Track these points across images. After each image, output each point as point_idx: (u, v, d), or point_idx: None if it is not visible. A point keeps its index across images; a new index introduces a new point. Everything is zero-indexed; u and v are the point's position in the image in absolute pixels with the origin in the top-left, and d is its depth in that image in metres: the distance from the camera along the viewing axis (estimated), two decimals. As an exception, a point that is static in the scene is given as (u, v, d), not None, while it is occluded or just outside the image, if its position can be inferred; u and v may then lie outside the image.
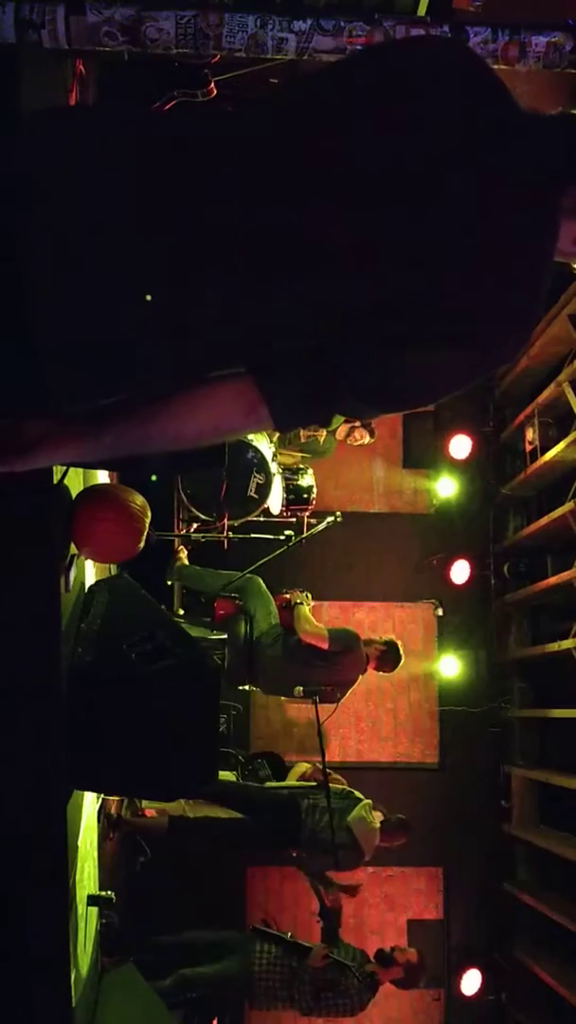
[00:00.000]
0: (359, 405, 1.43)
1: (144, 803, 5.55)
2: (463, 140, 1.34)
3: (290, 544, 6.03)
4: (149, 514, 3.34)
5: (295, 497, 6.22)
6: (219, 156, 1.34)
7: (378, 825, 5.49)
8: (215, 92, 4.41)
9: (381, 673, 5.87)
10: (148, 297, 1.30)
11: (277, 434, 5.95)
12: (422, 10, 3.25)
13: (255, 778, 5.87)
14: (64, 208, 1.31)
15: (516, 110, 1.40)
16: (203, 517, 5.87)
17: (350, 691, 5.90)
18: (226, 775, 5.65)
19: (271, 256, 1.31)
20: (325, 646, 5.51)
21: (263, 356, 1.37)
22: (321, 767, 5.34)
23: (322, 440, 6.86)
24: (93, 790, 3.84)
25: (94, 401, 1.40)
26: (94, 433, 1.39)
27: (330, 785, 5.39)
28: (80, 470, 3.32)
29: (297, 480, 6.27)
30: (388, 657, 5.64)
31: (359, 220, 1.31)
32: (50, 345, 1.33)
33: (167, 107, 4.42)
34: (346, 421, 6.63)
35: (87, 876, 3.77)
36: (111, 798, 4.94)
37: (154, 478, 4.17)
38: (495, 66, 2.90)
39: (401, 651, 5.69)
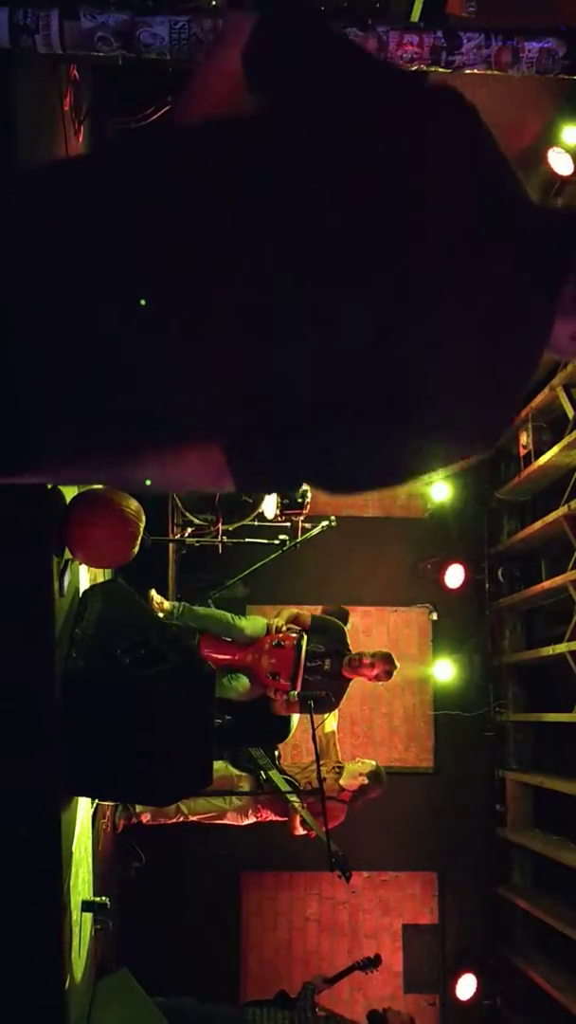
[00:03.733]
0: (324, 487, 1.42)
1: (139, 808, 5.54)
2: (461, 226, 1.28)
3: (284, 548, 6.03)
4: (144, 519, 3.34)
5: (289, 501, 6.22)
6: (217, 230, 1.28)
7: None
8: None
9: (376, 682, 5.90)
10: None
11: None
12: (415, 16, 3.25)
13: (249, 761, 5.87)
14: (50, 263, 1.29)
15: (521, 198, 1.36)
16: (197, 521, 5.86)
17: (345, 696, 5.91)
18: (217, 765, 5.65)
19: (250, 329, 1.27)
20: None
21: (236, 425, 1.35)
22: (317, 772, 5.34)
23: None
24: (87, 795, 3.83)
25: (66, 458, 1.42)
26: (70, 465, 1.43)
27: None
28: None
29: (292, 485, 6.28)
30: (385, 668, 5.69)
31: (340, 299, 1.26)
32: (31, 396, 1.32)
33: (161, 112, 4.43)
34: None
35: (81, 882, 3.76)
36: (105, 803, 4.93)
37: (148, 483, 4.16)
38: (488, 72, 2.91)
39: (396, 662, 5.71)
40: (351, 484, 1.44)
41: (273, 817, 5.80)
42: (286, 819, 5.78)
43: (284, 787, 5.57)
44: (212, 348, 1.28)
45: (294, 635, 5.55)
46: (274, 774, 5.61)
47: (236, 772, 5.75)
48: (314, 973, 5.65)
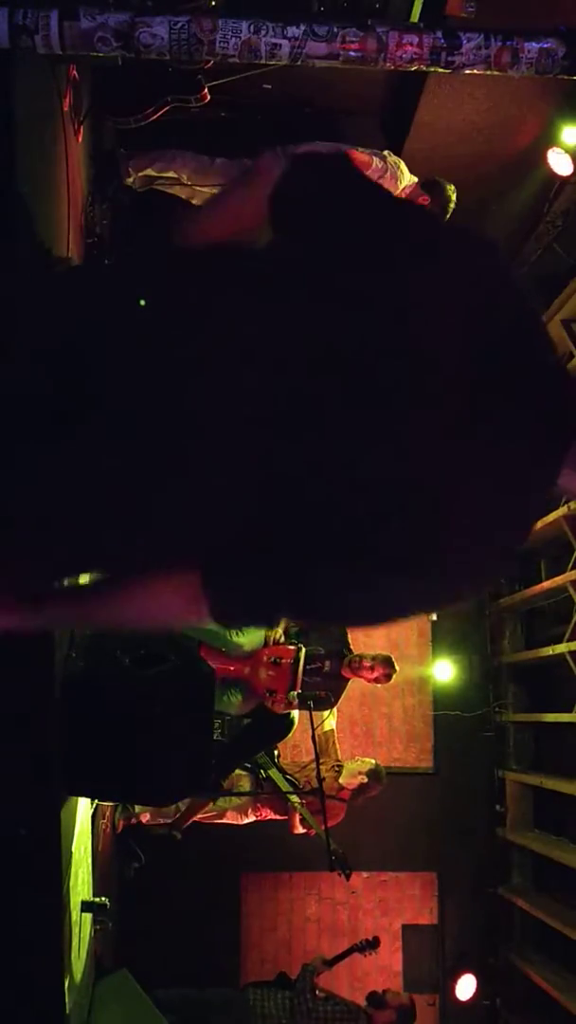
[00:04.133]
0: (298, 617, 1.43)
1: (138, 808, 5.54)
2: (474, 373, 1.26)
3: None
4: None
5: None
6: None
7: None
8: (208, 97, 4.42)
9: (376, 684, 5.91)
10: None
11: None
12: (415, 16, 3.27)
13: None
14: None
15: (538, 349, 1.33)
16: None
17: (344, 695, 5.92)
18: None
19: (244, 459, 1.26)
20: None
21: (215, 553, 1.34)
22: (316, 772, 5.34)
23: None
24: (87, 796, 3.83)
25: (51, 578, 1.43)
26: (34, 604, 1.42)
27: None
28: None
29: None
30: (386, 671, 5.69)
31: (336, 438, 1.25)
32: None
33: (161, 112, 4.43)
34: None
35: (81, 882, 3.76)
36: (105, 803, 4.93)
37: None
38: (487, 72, 2.91)
39: (396, 665, 5.72)
40: (325, 621, 1.44)
41: (273, 815, 5.80)
42: (285, 817, 5.78)
43: (284, 786, 5.57)
44: (202, 475, 1.28)
45: (292, 648, 5.55)
46: (274, 772, 5.61)
47: (236, 771, 5.75)
48: (314, 955, 5.66)
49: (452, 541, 1.27)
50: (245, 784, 5.75)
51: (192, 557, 1.33)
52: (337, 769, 5.75)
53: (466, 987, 7.06)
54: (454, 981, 7.08)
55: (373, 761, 5.82)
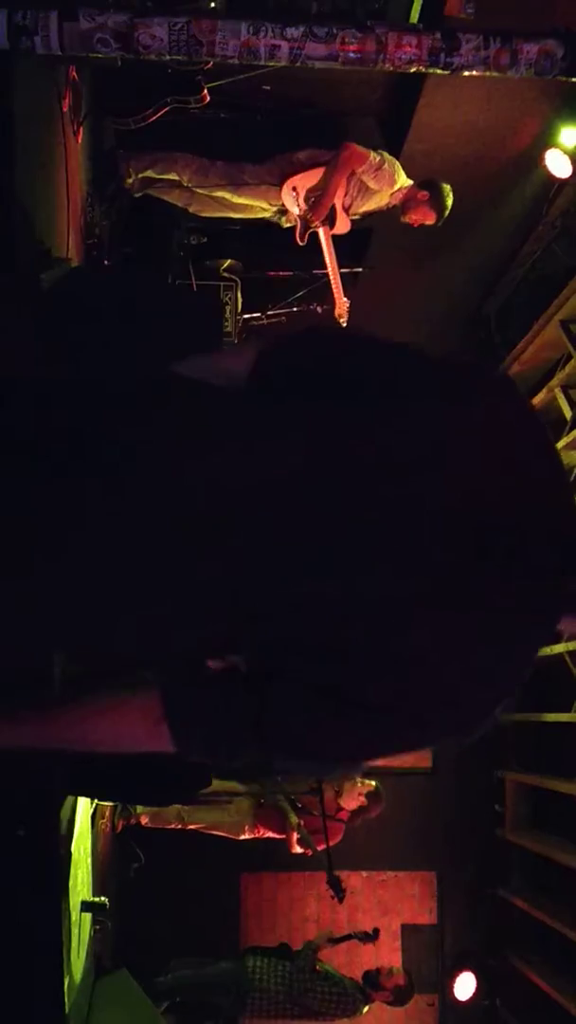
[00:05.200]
0: (265, 756, 1.33)
1: (138, 808, 5.54)
2: (478, 530, 1.21)
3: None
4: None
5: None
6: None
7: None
8: (208, 99, 4.42)
9: None
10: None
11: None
12: (414, 17, 3.27)
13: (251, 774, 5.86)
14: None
15: (554, 512, 1.25)
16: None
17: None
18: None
19: (226, 580, 1.23)
20: None
21: (178, 672, 1.31)
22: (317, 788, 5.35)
23: None
24: (87, 796, 3.83)
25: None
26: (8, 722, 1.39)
27: None
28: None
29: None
30: None
31: (343, 574, 1.20)
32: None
33: (160, 113, 4.43)
34: None
35: (80, 882, 3.76)
36: (105, 804, 4.93)
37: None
38: (486, 73, 2.92)
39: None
40: (292, 757, 1.32)
41: (270, 834, 5.80)
42: (283, 836, 5.78)
43: (284, 805, 5.56)
44: (189, 592, 1.24)
45: None
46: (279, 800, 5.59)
47: (235, 790, 5.75)
48: (319, 931, 5.68)
49: (439, 692, 1.23)
50: (245, 804, 5.76)
51: (155, 672, 1.31)
52: (337, 790, 5.74)
53: (465, 987, 7.06)
54: (453, 981, 7.09)
55: (374, 783, 5.79)
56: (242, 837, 5.82)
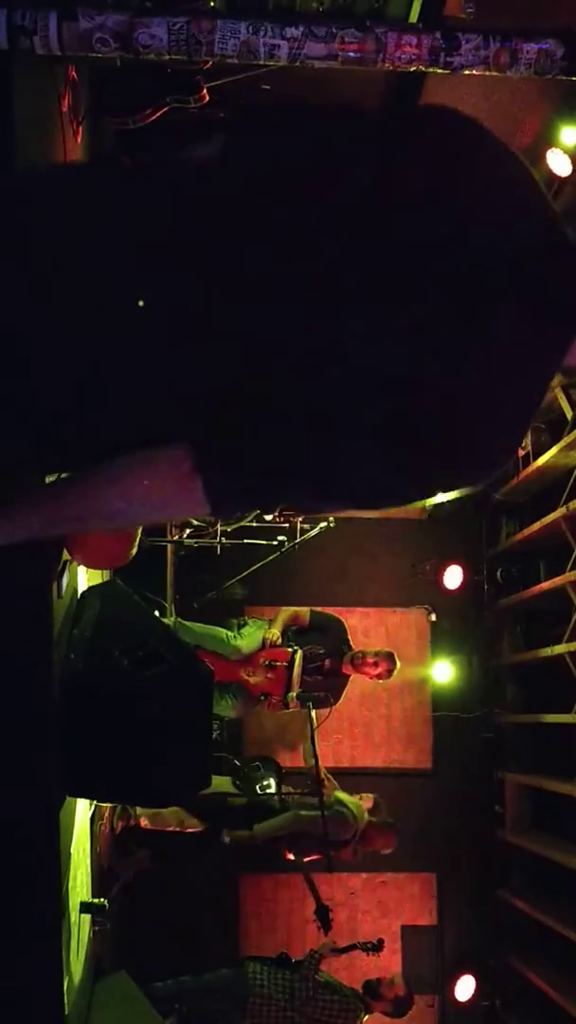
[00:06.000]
0: (298, 497, 1.32)
1: (138, 810, 5.53)
2: (466, 259, 1.23)
3: (283, 550, 6.03)
4: (142, 520, 3.33)
5: (288, 502, 6.19)
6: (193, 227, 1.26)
7: (368, 805, 5.59)
8: (207, 98, 4.41)
9: (377, 680, 5.89)
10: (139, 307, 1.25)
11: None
12: (414, 16, 3.26)
13: (250, 783, 5.85)
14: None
15: (547, 227, 1.28)
16: (196, 523, 5.86)
17: (343, 696, 5.91)
18: (220, 780, 5.65)
19: (241, 322, 1.23)
20: None
21: (204, 428, 1.27)
22: (315, 770, 5.35)
23: None
24: (86, 797, 3.83)
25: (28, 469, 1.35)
26: (11, 509, 1.32)
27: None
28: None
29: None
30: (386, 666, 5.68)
31: (349, 311, 1.22)
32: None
33: (160, 113, 4.43)
34: None
35: (80, 883, 3.76)
36: (104, 804, 4.92)
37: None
38: (486, 73, 2.91)
39: (397, 660, 5.72)
40: (326, 494, 1.32)
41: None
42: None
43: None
44: (207, 339, 1.24)
45: (288, 651, 5.54)
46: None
47: (235, 796, 5.73)
48: (322, 941, 5.67)
49: (454, 423, 1.24)
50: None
51: (177, 437, 1.26)
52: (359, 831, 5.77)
53: (465, 988, 7.06)
54: (453, 982, 7.09)
55: (372, 796, 5.78)
56: None
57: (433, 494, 1.38)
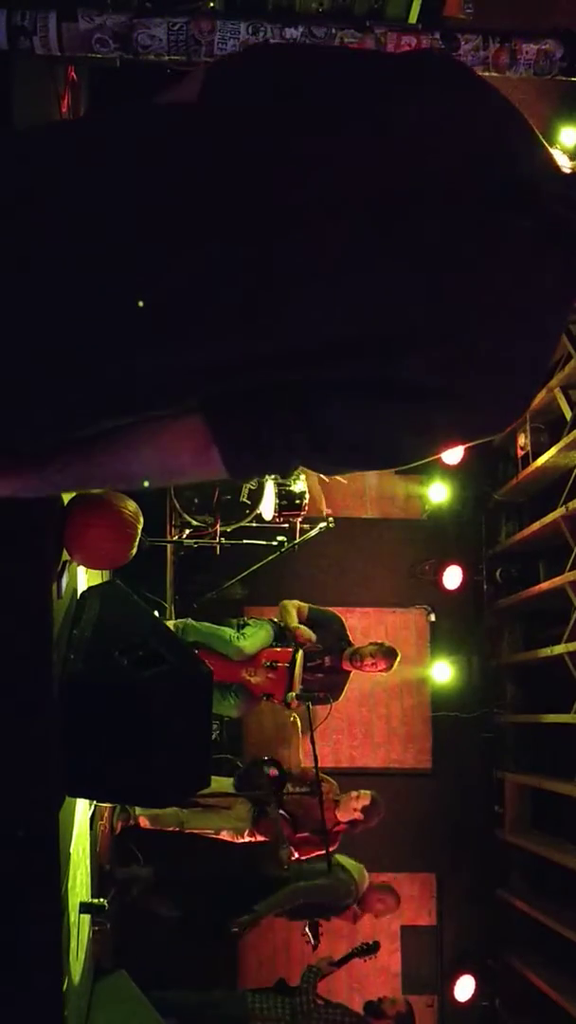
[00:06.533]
0: (316, 456, 1.29)
1: (137, 810, 5.54)
2: (484, 188, 1.21)
3: (283, 550, 6.03)
4: (141, 520, 3.34)
5: (287, 503, 6.22)
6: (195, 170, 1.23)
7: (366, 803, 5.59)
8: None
9: (375, 677, 5.89)
10: (140, 303, 1.22)
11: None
12: (413, 17, 3.26)
13: (251, 784, 5.84)
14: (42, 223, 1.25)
15: (536, 175, 1.26)
16: (196, 523, 5.86)
17: (343, 695, 5.91)
18: (221, 781, 5.65)
19: (242, 282, 1.20)
20: None
21: (219, 392, 1.27)
22: (315, 772, 5.34)
23: None
24: (86, 797, 3.83)
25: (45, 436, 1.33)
26: (37, 467, 1.33)
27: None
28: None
29: (289, 486, 6.27)
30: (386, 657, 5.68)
31: (353, 251, 1.20)
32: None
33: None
34: None
35: (79, 883, 3.76)
36: (104, 804, 4.92)
37: (147, 484, 4.16)
38: (485, 73, 2.91)
39: (397, 653, 5.72)
40: (344, 451, 1.29)
41: (267, 837, 5.79)
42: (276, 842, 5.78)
43: (277, 828, 5.53)
44: (210, 299, 1.21)
45: (288, 651, 5.54)
46: (272, 809, 5.57)
47: (237, 794, 5.73)
48: (314, 957, 5.66)
49: (471, 367, 1.22)
50: (242, 810, 5.74)
51: (192, 399, 1.26)
52: (335, 802, 5.73)
53: (465, 988, 7.06)
54: (453, 982, 7.09)
55: (370, 794, 5.77)
56: (240, 841, 5.81)
57: (452, 446, 1.36)
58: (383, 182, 1.20)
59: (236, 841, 5.81)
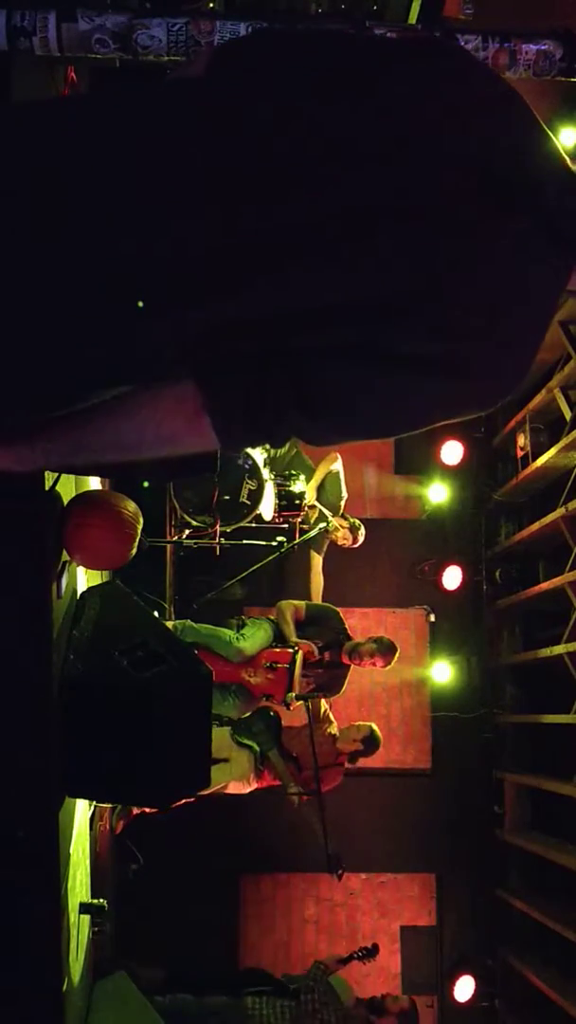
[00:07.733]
0: (306, 424, 1.29)
1: (136, 810, 5.54)
2: (485, 177, 1.25)
3: (282, 550, 6.03)
4: (141, 520, 3.34)
5: (287, 503, 6.22)
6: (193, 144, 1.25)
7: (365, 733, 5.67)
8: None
9: (375, 677, 5.89)
10: (140, 304, 1.24)
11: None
12: (413, 17, 3.26)
13: (248, 730, 5.81)
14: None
15: (537, 166, 1.32)
16: (195, 523, 5.86)
17: (342, 693, 5.92)
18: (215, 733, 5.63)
19: (240, 248, 1.22)
20: None
21: (210, 359, 1.28)
22: (314, 769, 5.34)
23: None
24: (86, 797, 3.83)
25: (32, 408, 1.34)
26: (27, 439, 1.34)
27: None
28: (72, 476, 3.31)
29: (289, 486, 6.27)
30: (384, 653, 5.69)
31: (352, 226, 1.22)
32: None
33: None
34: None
35: (79, 884, 3.76)
36: (103, 805, 4.92)
37: (146, 484, 4.16)
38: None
39: (396, 647, 5.72)
40: (336, 418, 1.30)
41: (274, 781, 5.75)
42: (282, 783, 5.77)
43: (283, 776, 5.54)
44: (198, 270, 1.22)
45: (288, 652, 5.54)
46: (273, 754, 5.58)
47: (236, 746, 5.72)
48: (313, 957, 5.66)
49: (467, 336, 1.24)
50: (244, 760, 5.73)
51: (186, 367, 1.27)
52: (334, 736, 5.75)
53: (464, 988, 7.06)
54: (452, 982, 7.09)
55: (370, 725, 5.78)
56: (248, 790, 5.79)
57: (443, 417, 1.36)
58: (383, 154, 1.23)
59: (245, 791, 5.80)
